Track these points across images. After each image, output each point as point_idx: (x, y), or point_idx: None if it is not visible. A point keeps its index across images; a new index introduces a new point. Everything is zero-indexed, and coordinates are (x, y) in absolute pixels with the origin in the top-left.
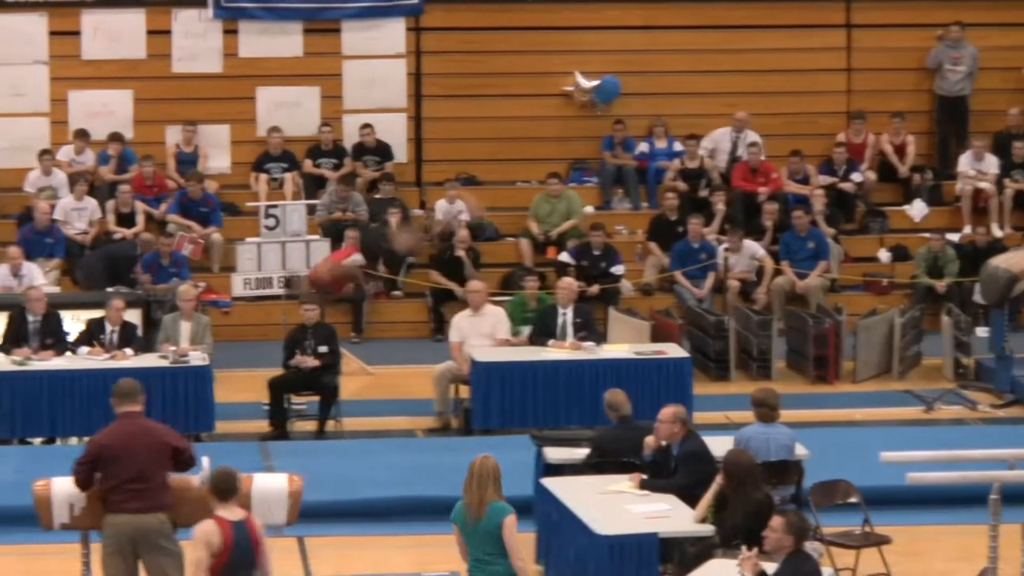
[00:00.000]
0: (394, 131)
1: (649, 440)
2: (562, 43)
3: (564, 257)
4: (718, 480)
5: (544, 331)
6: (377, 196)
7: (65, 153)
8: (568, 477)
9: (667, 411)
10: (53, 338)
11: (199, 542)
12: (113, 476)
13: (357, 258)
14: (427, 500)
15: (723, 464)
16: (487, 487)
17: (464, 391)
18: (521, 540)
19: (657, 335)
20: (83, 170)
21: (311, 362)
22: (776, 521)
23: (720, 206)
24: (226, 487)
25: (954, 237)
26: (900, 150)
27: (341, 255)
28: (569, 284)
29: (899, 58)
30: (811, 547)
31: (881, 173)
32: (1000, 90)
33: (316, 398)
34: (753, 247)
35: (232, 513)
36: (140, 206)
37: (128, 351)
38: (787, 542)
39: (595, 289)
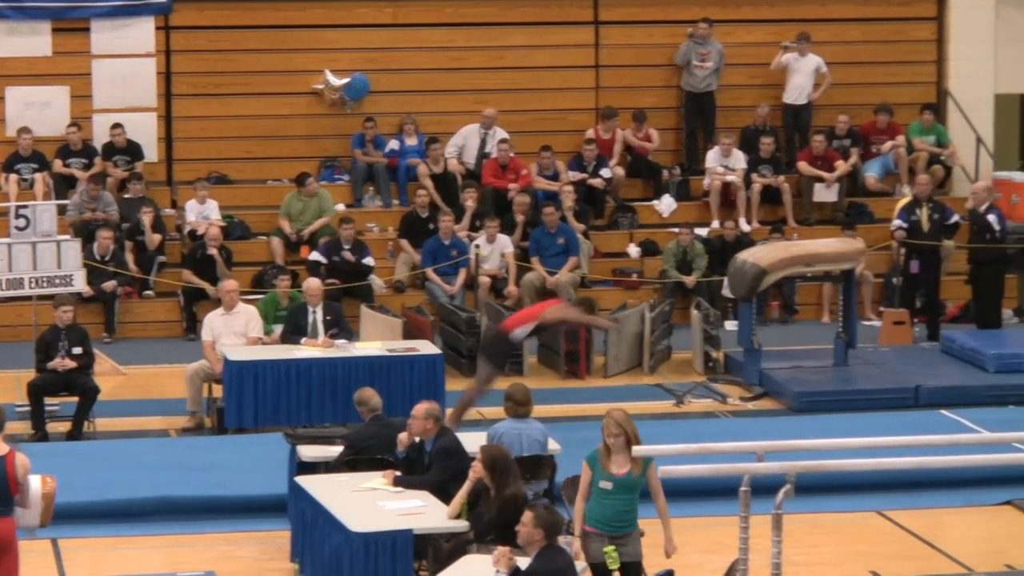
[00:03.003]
0: (144, 130)
1: (402, 437)
2: (311, 41)
3: (315, 256)
4: (472, 476)
5: (296, 329)
6: (127, 196)
7: None
8: (322, 475)
9: (420, 408)
10: None
11: None
12: None
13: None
14: (181, 500)
15: (487, 457)
16: None
17: (217, 390)
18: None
19: (409, 332)
20: None
21: (69, 364)
22: (526, 516)
23: (470, 203)
24: None
25: (702, 232)
26: (646, 140)
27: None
28: (313, 286)
29: (647, 54)
30: (564, 541)
31: (632, 168)
32: (746, 86)
33: (72, 399)
34: (504, 242)
35: None
36: None
37: None
38: (537, 536)
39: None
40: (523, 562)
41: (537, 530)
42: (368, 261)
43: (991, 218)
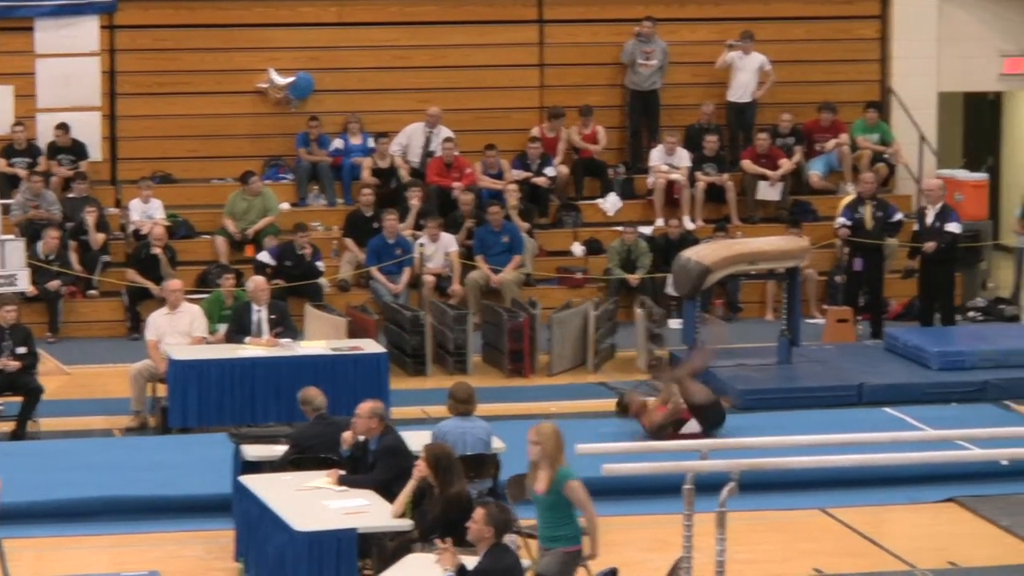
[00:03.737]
0: (89, 129)
1: (346, 436)
2: (256, 40)
3: (263, 258)
4: (416, 474)
5: (240, 328)
6: (72, 195)
7: None
8: (266, 474)
9: (364, 406)
10: None
11: None
12: None
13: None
14: (126, 500)
15: (430, 456)
16: None
17: (161, 390)
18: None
19: (354, 331)
20: None
21: (14, 364)
22: (477, 513)
23: (415, 202)
24: None
25: (647, 230)
26: (591, 139)
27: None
28: (258, 285)
29: (591, 53)
30: (509, 540)
31: (576, 167)
32: (690, 84)
33: (16, 399)
34: (448, 241)
35: None
36: None
37: None
38: (487, 533)
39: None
40: (471, 561)
41: (488, 527)
42: (319, 265)
43: (952, 227)
